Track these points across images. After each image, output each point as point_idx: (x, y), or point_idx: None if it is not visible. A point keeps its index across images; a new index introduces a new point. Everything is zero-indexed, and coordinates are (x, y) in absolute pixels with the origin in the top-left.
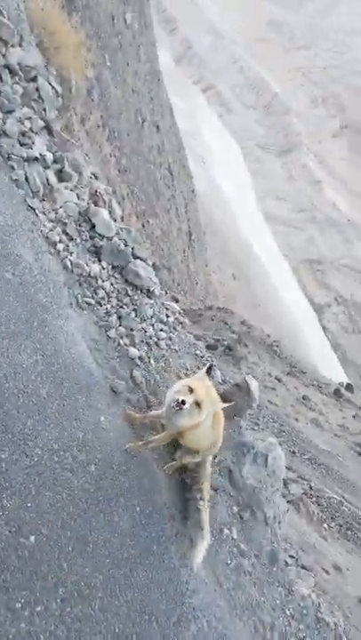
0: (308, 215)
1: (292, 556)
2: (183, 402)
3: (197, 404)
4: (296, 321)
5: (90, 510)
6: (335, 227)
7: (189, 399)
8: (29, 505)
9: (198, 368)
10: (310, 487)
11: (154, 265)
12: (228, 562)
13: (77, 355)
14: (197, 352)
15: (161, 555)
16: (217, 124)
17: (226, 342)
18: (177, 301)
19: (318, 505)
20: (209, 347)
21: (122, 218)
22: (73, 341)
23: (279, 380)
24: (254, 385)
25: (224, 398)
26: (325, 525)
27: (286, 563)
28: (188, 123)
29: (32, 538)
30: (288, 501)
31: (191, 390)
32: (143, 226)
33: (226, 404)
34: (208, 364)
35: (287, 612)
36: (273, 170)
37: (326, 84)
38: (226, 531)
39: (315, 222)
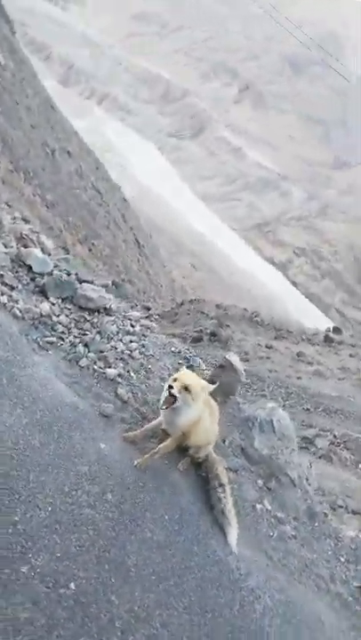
0: (240, 184)
1: (340, 506)
2: (171, 387)
3: (186, 389)
4: (266, 286)
5: (120, 537)
6: (269, 185)
7: (176, 386)
8: (59, 555)
9: (179, 364)
10: (334, 436)
11: (114, 283)
12: (271, 534)
13: (57, 395)
14: (173, 349)
15: (204, 552)
16: (123, 129)
17: (208, 330)
18: (149, 309)
19: (348, 449)
20: (194, 340)
21: (66, 250)
22: (48, 384)
23: (270, 347)
24: (235, 360)
25: (213, 382)
26: None
27: (325, 514)
28: (95, 138)
29: (72, 585)
30: (319, 457)
31: (175, 380)
32: (90, 250)
33: (214, 385)
34: (186, 365)
35: (342, 559)
36: (192, 153)
37: (211, 56)
38: (258, 506)
39: (248, 187)
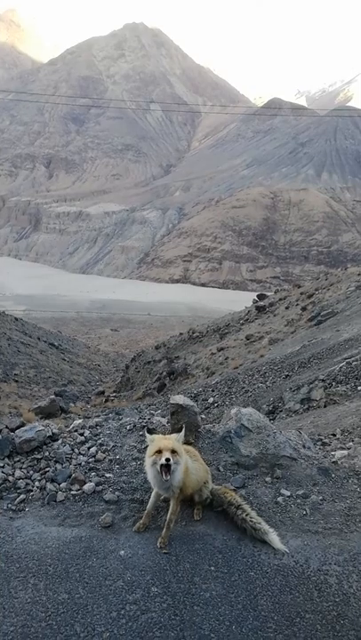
0: (101, 238)
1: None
2: (168, 459)
3: (173, 452)
4: (183, 304)
5: (185, 616)
6: (126, 223)
7: (167, 455)
8: None
9: (140, 435)
10: (323, 380)
11: (57, 394)
12: (304, 512)
13: (56, 541)
14: (128, 427)
15: (261, 571)
16: None
17: (164, 373)
18: (103, 393)
19: (340, 383)
20: (158, 389)
21: None
22: (43, 538)
23: (222, 349)
24: (179, 399)
25: (179, 430)
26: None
27: (336, 464)
28: None
29: None
30: (325, 405)
31: (159, 452)
32: (17, 381)
33: (182, 432)
34: (144, 428)
35: None
36: (43, 242)
37: (3, 157)
38: (279, 499)
39: (111, 237)
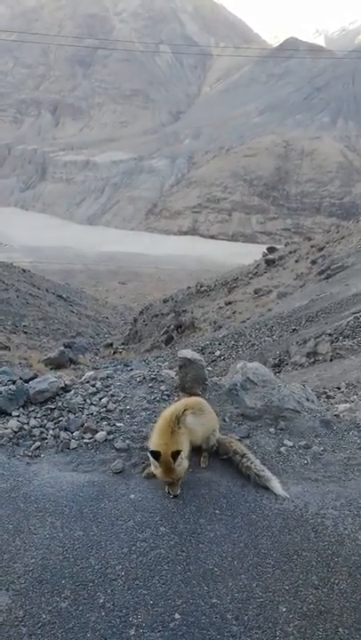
0: (109, 188)
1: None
2: (175, 496)
3: (174, 455)
4: (191, 256)
5: (191, 552)
6: (133, 172)
7: (176, 492)
8: (152, 602)
9: (150, 388)
10: (330, 335)
11: (66, 345)
12: (305, 462)
13: (70, 484)
14: (138, 379)
15: (262, 514)
16: None
17: (171, 326)
18: (111, 345)
19: (347, 337)
20: (166, 341)
21: (7, 348)
22: (58, 482)
23: (230, 303)
24: (186, 353)
25: (183, 384)
26: None
27: (338, 417)
28: None
29: (176, 615)
30: (330, 359)
31: (157, 457)
32: (26, 332)
33: (192, 399)
34: (149, 453)
35: None
36: (50, 191)
37: (6, 102)
38: (282, 449)
39: (119, 186)
